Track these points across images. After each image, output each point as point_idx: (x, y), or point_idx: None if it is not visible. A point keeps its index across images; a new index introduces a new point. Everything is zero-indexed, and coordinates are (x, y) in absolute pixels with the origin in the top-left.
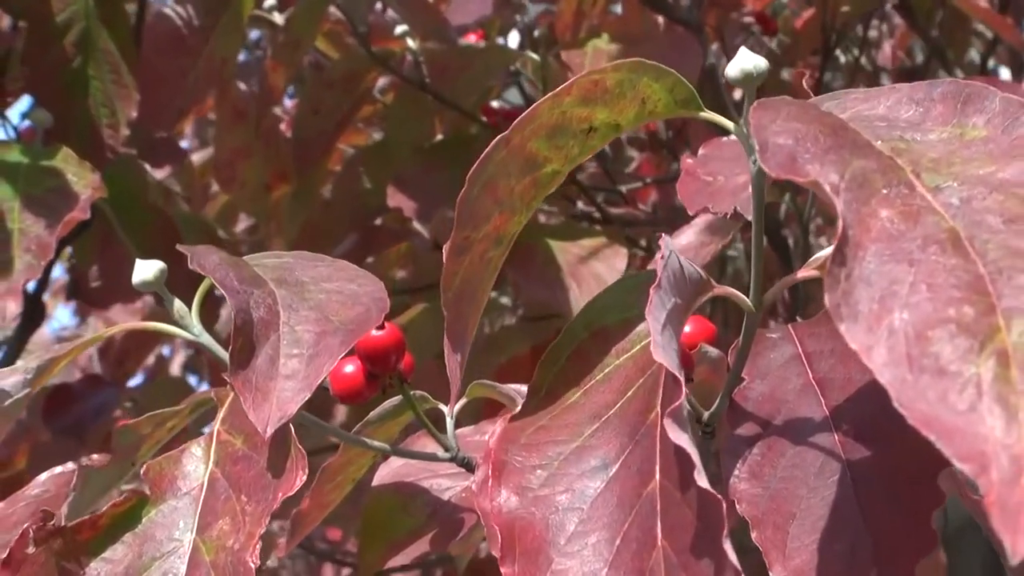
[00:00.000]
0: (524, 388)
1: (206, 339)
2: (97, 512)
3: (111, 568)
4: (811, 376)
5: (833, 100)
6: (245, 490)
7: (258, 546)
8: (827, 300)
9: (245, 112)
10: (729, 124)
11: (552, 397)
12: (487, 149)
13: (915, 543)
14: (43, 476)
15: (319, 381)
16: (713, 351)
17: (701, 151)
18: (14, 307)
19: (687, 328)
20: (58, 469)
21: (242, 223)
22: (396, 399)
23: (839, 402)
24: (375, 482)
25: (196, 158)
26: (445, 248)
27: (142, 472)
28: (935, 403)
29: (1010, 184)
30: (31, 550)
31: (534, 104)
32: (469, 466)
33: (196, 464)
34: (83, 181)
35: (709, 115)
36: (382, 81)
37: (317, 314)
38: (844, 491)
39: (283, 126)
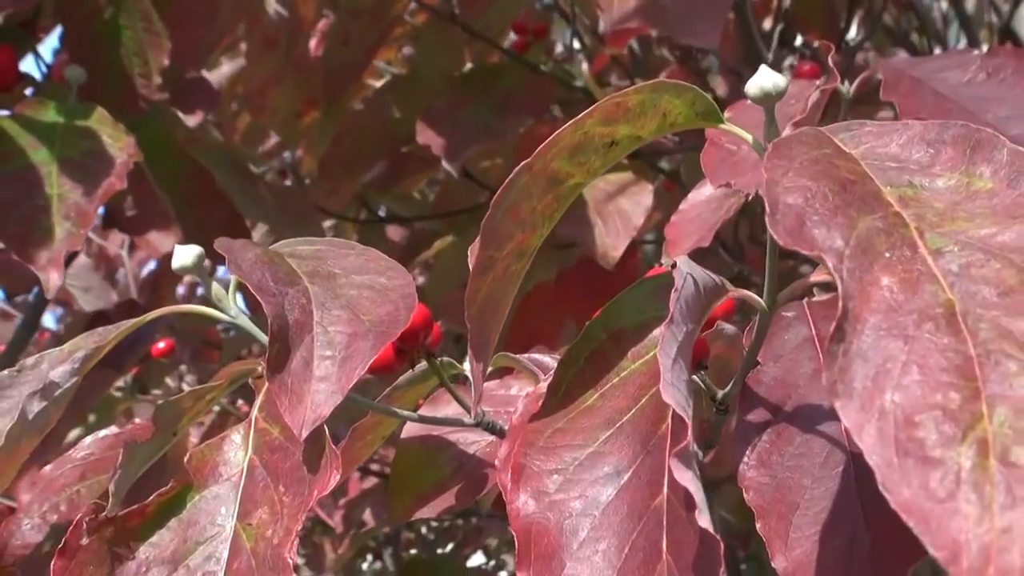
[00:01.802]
0: (544, 359)
1: (243, 321)
2: (145, 501)
3: (158, 552)
4: (823, 362)
5: (848, 132)
6: (283, 480)
7: (296, 543)
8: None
9: (276, 40)
10: (748, 136)
11: (570, 397)
12: (511, 176)
13: (909, 547)
14: (88, 439)
15: (351, 385)
16: (730, 328)
17: (726, 114)
18: (57, 278)
19: None
20: (102, 433)
21: (271, 139)
22: (423, 365)
23: None
24: (403, 434)
25: (226, 69)
26: (470, 264)
27: (185, 460)
28: (917, 489)
29: (1008, 248)
30: (85, 541)
31: (556, 131)
32: (495, 430)
33: (236, 451)
34: (118, 144)
35: (729, 127)
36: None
37: (349, 313)
38: (847, 484)
39: (313, 43)
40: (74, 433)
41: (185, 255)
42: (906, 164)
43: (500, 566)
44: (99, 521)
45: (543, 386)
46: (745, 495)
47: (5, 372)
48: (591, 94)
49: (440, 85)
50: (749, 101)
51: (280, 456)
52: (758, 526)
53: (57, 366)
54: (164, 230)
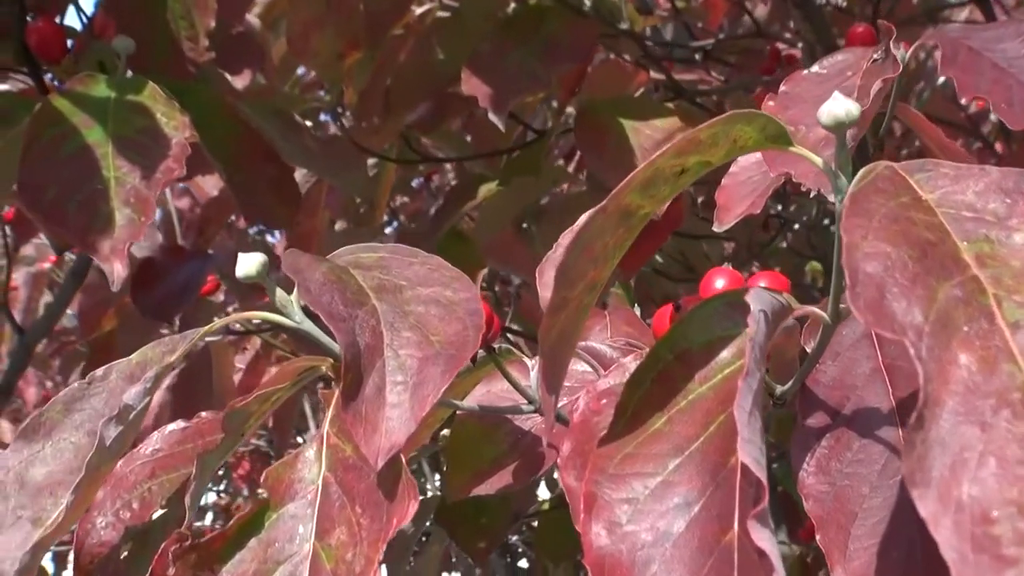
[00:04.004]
0: (600, 347)
1: (308, 326)
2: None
3: (240, 573)
4: (880, 361)
5: (923, 173)
6: (359, 501)
7: (378, 574)
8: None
9: None
10: (818, 160)
11: (638, 420)
12: (585, 220)
13: None
14: (155, 435)
15: (424, 412)
16: (788, 320)
17: (782, 88)
18: (121, 269)
19: (761, 283)
20: (169, 427)
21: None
22: (482, 353)
23: (905, 394)
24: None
25: None
26: (541, 299)
27: (262, 479)
28: None
29: None
30: (171, 571)
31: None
32: (557, 418)
33: (310, 467)
34: (173, 122)
35: (799, 150)
36: None
37: (418, 335)
38: (904, 494)
39: None
40: None
41: (248, 263)
42: (982, 215)
43: None
44: (183, 548)
45: (604, 383)
46: (804, 504)
47: (76, 385)
48: (633, 33)
49: (483, 27)
50: (805, 72)
51: (354, 476)
52: (818, 538)
53: (128, 386)
54: (212, 173)
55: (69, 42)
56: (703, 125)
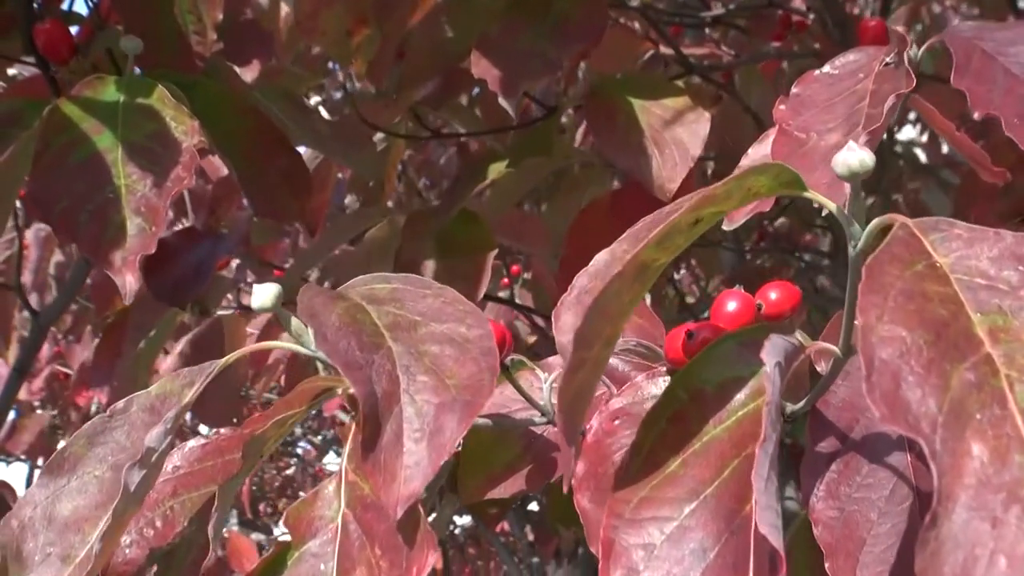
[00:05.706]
0: (615, 363)
1: (323, 354)
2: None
3: None
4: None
5: (938, 233)
6: (378, 542)
7: None
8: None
9: None
10: (832, 205)
11: (653, 461)
12: (603, 288)
13: None
14: (175, 453)
15: (442, 460)
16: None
17: (794, 90)
18: (133, 281)
19: (772, 295)
20: (190, 443)
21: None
22: None
23: None
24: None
25: None
26: (562, 359)
27: (283, 520)
28: None
29: None
30: None
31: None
32: None
33: (329, 504)
34: (182, 127)
35: (813, 195)
36: None
37: (434, 379)
38: (912, 523)
39: None
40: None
41: (264, 295)
42: (996, 283)
43: None
44: None
45: (616, 403)
46: (814, 530)
47: (97, 418)
48: (644, 9)
49: (493, 4)
50: (817, 73)
51: (373, 515)
52: (827, 565)
53: (149, 418)
54: None
55: (74, 29)
56: (718, 184)
